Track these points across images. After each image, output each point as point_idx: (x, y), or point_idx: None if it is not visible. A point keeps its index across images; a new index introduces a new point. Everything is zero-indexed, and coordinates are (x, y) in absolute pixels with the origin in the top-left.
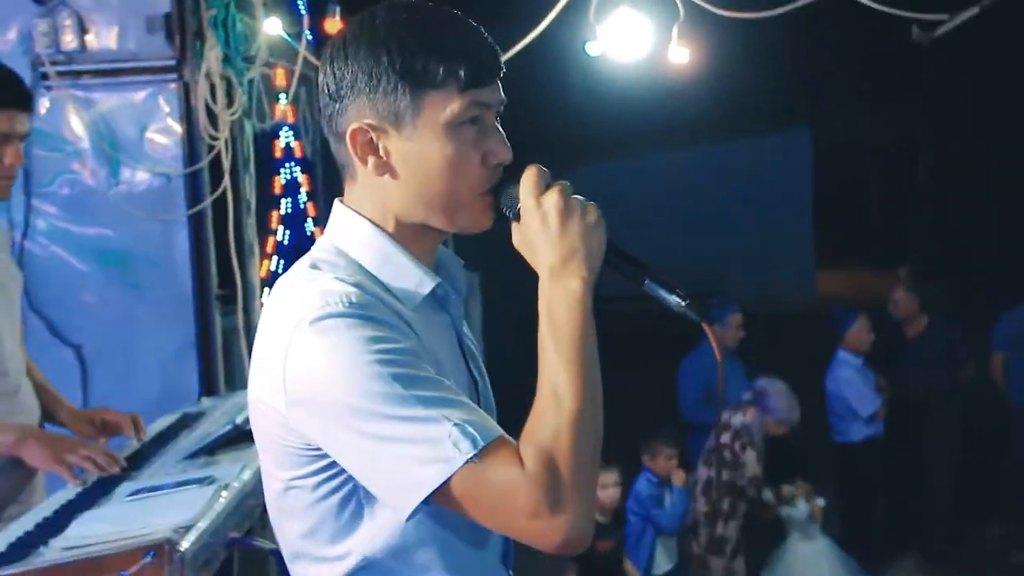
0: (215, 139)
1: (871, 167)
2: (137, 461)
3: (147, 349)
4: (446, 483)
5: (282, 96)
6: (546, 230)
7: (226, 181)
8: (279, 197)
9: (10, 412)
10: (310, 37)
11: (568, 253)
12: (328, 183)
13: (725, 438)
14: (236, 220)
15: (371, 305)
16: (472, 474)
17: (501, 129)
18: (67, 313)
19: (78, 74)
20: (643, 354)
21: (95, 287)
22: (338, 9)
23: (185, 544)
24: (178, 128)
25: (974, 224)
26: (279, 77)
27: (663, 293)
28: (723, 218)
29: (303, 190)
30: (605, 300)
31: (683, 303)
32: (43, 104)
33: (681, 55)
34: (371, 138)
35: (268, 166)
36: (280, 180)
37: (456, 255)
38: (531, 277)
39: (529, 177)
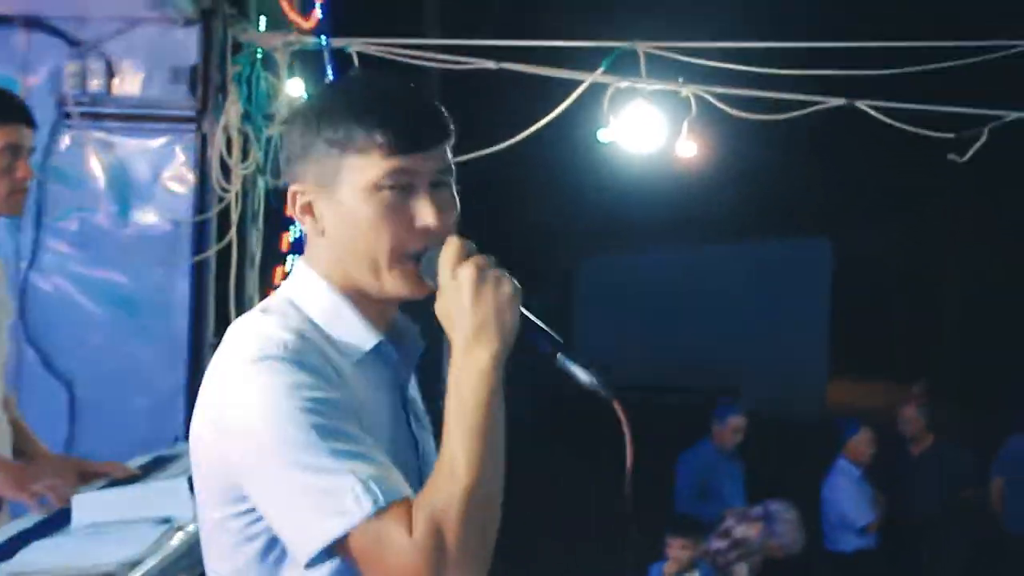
0: (226, 191)
1: (893, 279)
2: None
3: (138, 390)
4: (343, 537)
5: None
6: (459, 302)
7: (232, 233)
8: (285, 254)
9: None
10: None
11: (479, 325)
12: None
13: (722, 544)
14: (238, 271)
15: (306, 352)
16: (368, 532)
17: (445, 195)
18: (62, 347)
19: (100, 116)
20: (650, 444)
21: (93, 324)
22: None
23: None
24: (191, 177)
25: (996, 344)
26: None
27: (575, 369)
28: (739, 318)
29: None
30: (620, 391)
31: (594, 379)
32: (63, 142)
33: (689, 149)
34: (308, 201)
35: (278, 222)
36: (288, 237)
37: (412, 320)
38: (526, 360)
39: (449, 248)
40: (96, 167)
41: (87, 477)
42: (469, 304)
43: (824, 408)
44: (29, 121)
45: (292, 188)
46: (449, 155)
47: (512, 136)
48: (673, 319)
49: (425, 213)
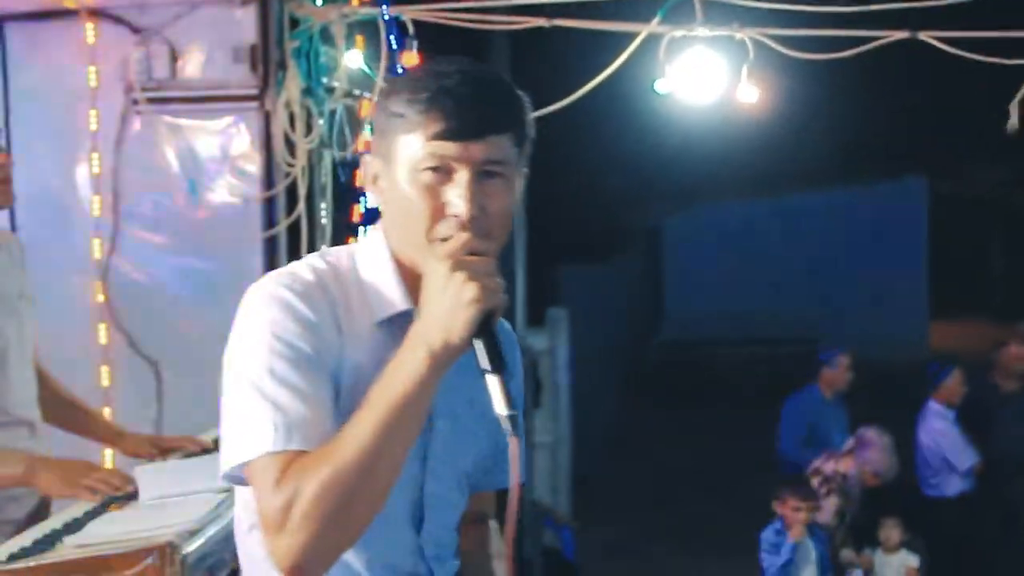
0: (292, 166)
1: (992, 218)
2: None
3: (219, 367)
4: (247, 465)
5: (367, 127)
6: (426, 294)
7: (300, 207)
8: (356, 225)
9: (18, 440)
10: (401, 71)
11: (430, 321)
12: None
13: (814, 483)
14: (309, 245)
15: (313, 299)
16: (259, 466)
17: (494, 185)
18: (146, 329)
19: (167, 100)
20: (746, 395)
21: (173, 305)
22: (415, 44)
23: (188, 548)
24: (258, 155)
25: None
26: (364, 108)
27: (498, 396)
28: (835, 266)
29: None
30: (704, 344)
31: (505, 412)
32: (134, 128)
33: (750, 95)
34: (375, 172)
35: (349, 195)
36: (359, 208)
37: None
38: (616, 318)
39: (454, 240)
40: (166, 151)
41: (164, 453)
42: (431, 299)
43: (927, 351)
44: None
45: (365, 158)
46: (507, 146)
47: (568, 95)
48: (768, 271)
49: (457, 202)
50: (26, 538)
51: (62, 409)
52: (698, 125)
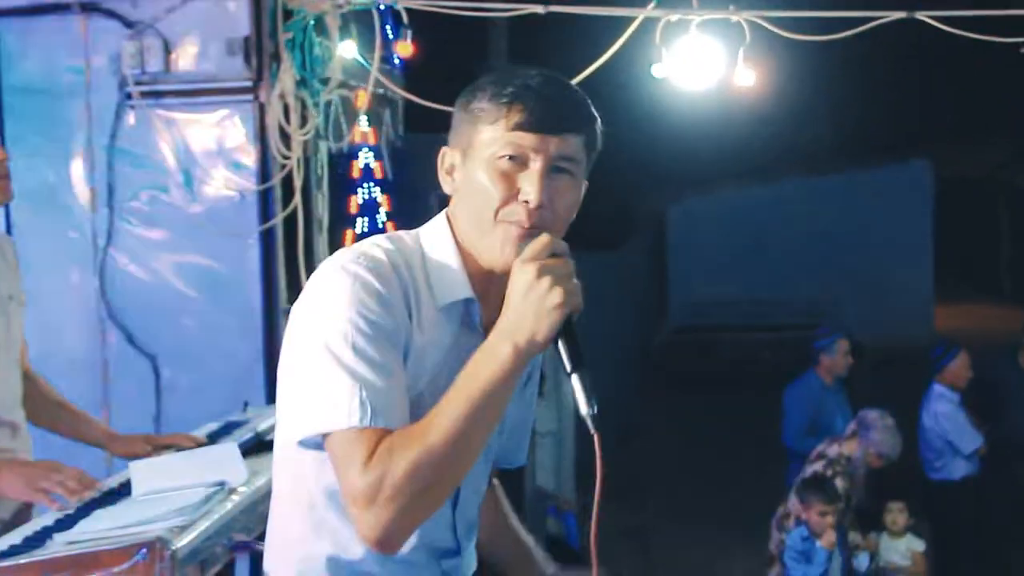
0: (287, 158)
1: (995, 199)
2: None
3: (218, 360)
4: (328, 435)
5: (363, 118)
6: (512, 292)
7: (297, 199)
8: (355, 216)
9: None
10: (398, 61)
11: (517, 321)
12: (406, 203)
13: (818, 467)
14: (307, 237)
15: (385, 278)
16: (344, 439)
17: (562, 180)
18: (144, 324)
19: (161, 94)
20: (749, 382)
21: (171, 299)
22: (409, 33)
23: (178, 543)
24: (253, 147)
25: None
26: (360, 99)
27: (580, 394)
28: (836, 250)
29: (382, 210)
30: (710, 330)
31: (591, 411)
32: (128, 122)
33: (747, 78)
34: (451, 163)
35: (346, 186)
36: (356, 200)
37: None
38: (620, 306)
39: (537, 242)
40: (161, 144)
41: (158, 449)
42: (517, 299)
43: (933, 334)
44: None
45: (443, 150)
46: (579, 147)
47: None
48: (772, 256)
49: (529, 189)
50: (16, 536)
51: (51, 411)
52: (700, 111)
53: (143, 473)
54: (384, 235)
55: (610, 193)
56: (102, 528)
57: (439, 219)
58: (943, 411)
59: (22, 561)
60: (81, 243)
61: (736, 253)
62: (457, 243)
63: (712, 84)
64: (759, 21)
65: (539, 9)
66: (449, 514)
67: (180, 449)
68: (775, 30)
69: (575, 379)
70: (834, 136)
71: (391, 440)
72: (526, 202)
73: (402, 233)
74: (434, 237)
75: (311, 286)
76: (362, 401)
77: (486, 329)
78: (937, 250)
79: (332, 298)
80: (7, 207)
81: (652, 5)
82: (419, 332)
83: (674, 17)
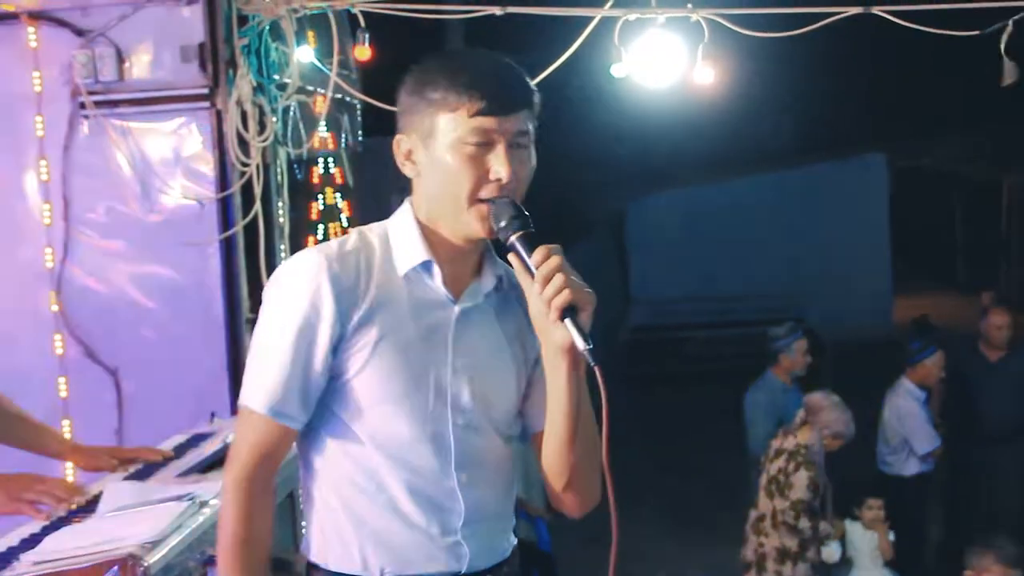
0: (246, 165)
1: (952, 191)
2: (135, 477)
3: (181, 372)
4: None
5: (322, 123)
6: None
7: (257, 207)
8: (316, 223)
9: None
10: (354, 66)
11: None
12: (368, 208)
13: (780, 463)
14: (268, 245)
15: (341, 274)
16: (245, 416)
17: (522, 154)
18: (103, 337)
19: (115, 103)
20: (712, 379)
21: (131, 311)
22: (366, 37)
23: (150, 559)
24: (211, 155)
25: None
26: (319, 104)
27: (575, 331)
28: (795, 245)
29: (343, 215)
30: (672, 328)
31: (588, 346)
32: (82, 132)
33: (706, 76)
34: (409, 148)
35: (306, 192)
36: (317, 206)
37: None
38: None
39: (552, 261)
40: (117, 155)
41: (123, 463)
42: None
43: (891, 326)
44: None
45: (397, 137)
46: (529, 120)
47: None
48: (730, 252)
49: (499, 167)
50: None
51: (10, 424)
52: (658, 109)
53: (113, 492)
54: (353, 232)
55: (568, 192)
56: (70, 547)
57: (404, 205)
58: (906, 408)
59: None
60: (37, 257)
61: (695, 250)
62: (416, 219)
63: (671, 82)
64: (718, 19)
65: (496, 11)
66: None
67: (146, 463)
68: (734, 27)
69: (568, 322)
70: (792, 132)
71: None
72: (496, 179)
73: (377, 223)
74: (397, 219)
75: (267, 286)
76: (268, 386)
77: (448, 286)
78: (894, 242)
79: (269, 304)
80: None
81: (609, 4)
82: (387, 297)
83: (632, 16)
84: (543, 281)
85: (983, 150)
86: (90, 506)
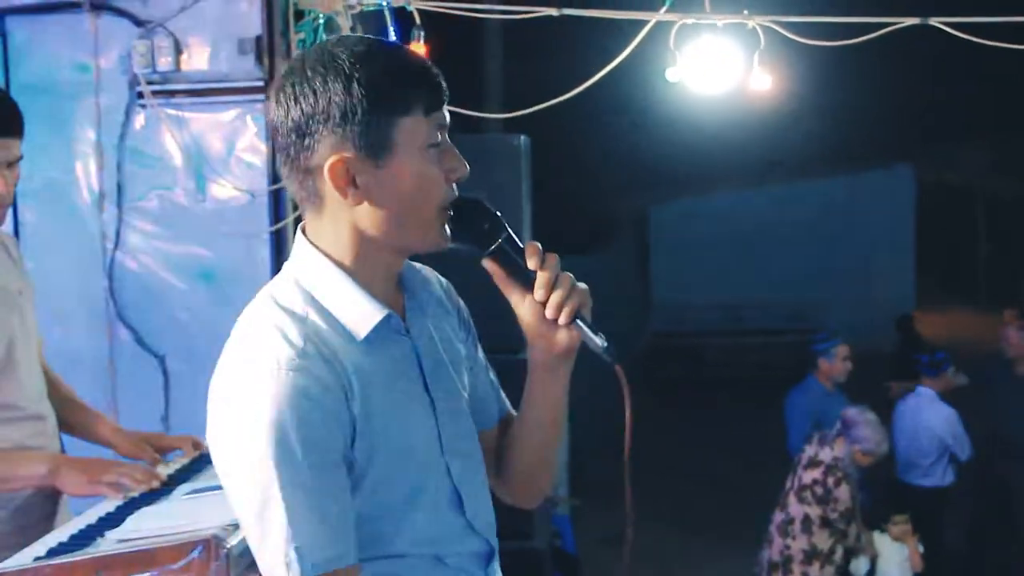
0: None
1: (978, 207)
2: (197, 463)
3: None
4: None
5: None
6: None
7: None
8: None
9: (32, 435)
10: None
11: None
12: None
13: (816, 474)
14: None
15: (308, 369)
16: None
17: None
18: (152, 324)
19: (172, 93)
20: (733, 386)
21: (180, 299)
22: (422, 35)
23: (232, 541)
24: (264, 147)
25: None
26: None
27: (587, 330)
28: (822, 254)
29: None
30: (701, 335)
31: (603, 344)
32: (138, 122)
33: (763, 82)
34: (351, 170)
35: None
36: None
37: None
38: (605, 308)
39: (552, 266)
40: (171, 144)
41: (162, 451)
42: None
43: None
44: (15, 131)
45: (334, 158)
46: None
47: (576, 85)
48: (754, 260)
49: (461, 164)
50: (62, 534)
51: (65, 408)
52: (684, 114)
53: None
54: (262, 304)
55: (592, 196)
56: (153, 527)
57: (304, 252)
58: (948, 416)
59: (76, 559)
60: (89, 243)
61: (721, 256)
62: (339, 265)
63: (727, 88)
64: (774, 26)
65: (553, 12)
66: (459, 519)
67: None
68: (790, 35)
69: (579, 323)
70: (820, 142)
71: None
72: (459, 179)
73: (276, 295)
74: (314, 276)
75: (226, 419)
76: (298, 551)
77: (403, 313)
78: (918, 256)
79: (245, 440)
80: (15, 207)
81: (664, 9)
82: (358, 374)
83: (688, 20)
84: (548, 285)
85: (1010, 164)
86: (164, 489)
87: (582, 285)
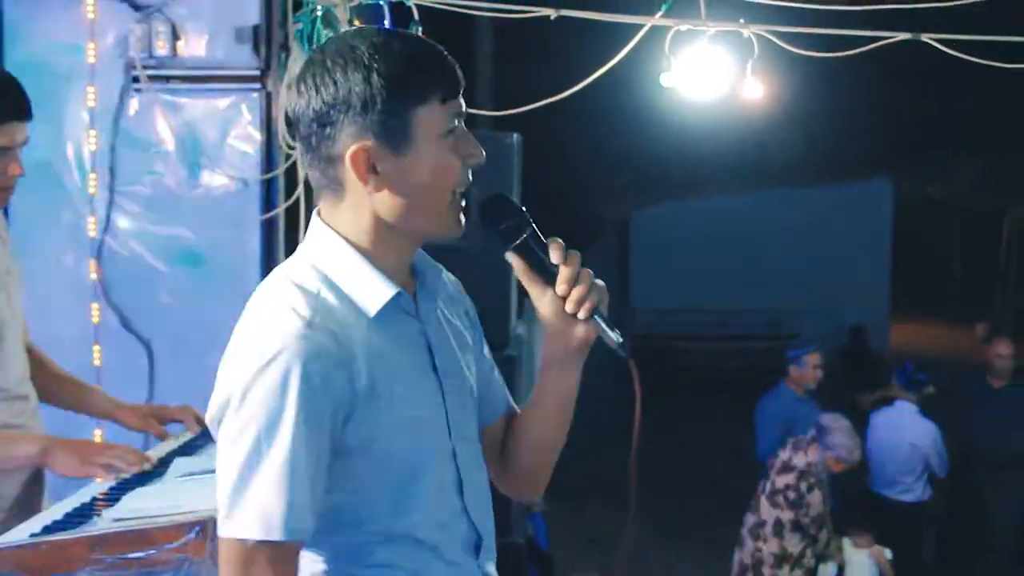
0: (292, 149)
1: (955, 221)
2: (191, 445)
3: (213, 347)
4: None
5: None
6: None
7: (300, 190)
8: None
9: (15, 415)
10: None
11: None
12: None
13: (789, 479)
14: (307, 228)
15: (318, 342)
16: (237, 550)
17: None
18: (140, 309)
19: (167, 79)
20: (711, 390)
21: (168, 285)
22: (419, 30)
23: None
24: (258, 136)
25: None
26: None
27: (604, 325)
28: (800, 263)
29: None
30: (679, 339)
31: (618, 339)
32: (132, 106)
33: (755, 91)
34: (370, 162)
35: None
36: None
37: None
38: None
39: (559, 248)
40: (165, 130)
41: (163, 422)
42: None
43: (889, 350)
44: (23, 115)
45: (355, 147)
46: None
47: (568, 86)
48: (733, 266)
49: (478, 151)
50: (56, 512)
51: (57, 385)
52: (666, 119)
53: (181, 462)
54: (278, 282)
55: (580, 197)
56: (149, 506)
57: (321, 235)
58: (931, 431)
59: (72, 537)
60: (78, 225)
61: (697, 262)
62: (357, 249)
63: (719, 95)
64: (768, 36)
65: (550, 12)
66: (459, 503)
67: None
68: (785, 45)
69: (597, 318)
70: (802, 151)
71: None
72: (476, 165)
73: (290, 273)
74: (329, 257)
75: (235, 391)
76: (262, 512)
77: (413, 297)
78: (894, 268)
79: (252, 409)
80: None
81: (660, 14)
82: (366, 348)
83: (683, 26)
84: (570, 280)
85: (992, 179)
86: (157, 471)
87: (600, 282)
